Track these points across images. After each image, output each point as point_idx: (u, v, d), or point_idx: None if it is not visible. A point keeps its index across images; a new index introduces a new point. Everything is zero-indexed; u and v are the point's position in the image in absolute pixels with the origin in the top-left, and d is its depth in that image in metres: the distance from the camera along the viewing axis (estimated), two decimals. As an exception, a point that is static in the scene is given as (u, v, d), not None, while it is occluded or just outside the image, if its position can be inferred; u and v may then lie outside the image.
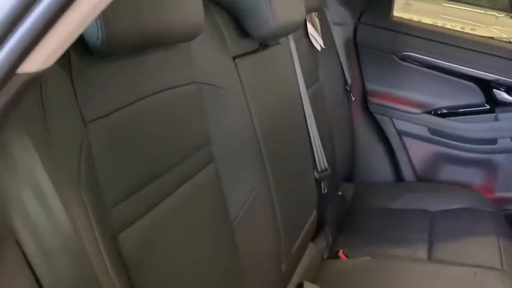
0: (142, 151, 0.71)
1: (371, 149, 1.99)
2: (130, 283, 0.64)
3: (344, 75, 1.88)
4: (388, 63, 1.88)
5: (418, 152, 1.92)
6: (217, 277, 0.87)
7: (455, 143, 1.85)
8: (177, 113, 0.81)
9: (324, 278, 1.33)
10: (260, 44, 1.15)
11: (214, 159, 0.92)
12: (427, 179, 1.93)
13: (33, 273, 0.49)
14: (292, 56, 1.35)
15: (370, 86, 1.93)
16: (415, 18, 1.99)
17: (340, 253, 1.45)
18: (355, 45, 1.92)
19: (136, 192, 0.69)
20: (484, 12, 2.26)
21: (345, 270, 1.38)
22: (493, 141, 1.79)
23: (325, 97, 1.65)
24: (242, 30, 1.07)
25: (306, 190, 1.37)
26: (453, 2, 2.20)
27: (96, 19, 0.59)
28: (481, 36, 1.93)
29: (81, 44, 0.61)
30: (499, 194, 1.82)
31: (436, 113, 1.86)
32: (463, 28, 2.05)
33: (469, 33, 1.96)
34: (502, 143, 1.77)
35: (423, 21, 1.97)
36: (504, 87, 1.74)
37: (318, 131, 1.44)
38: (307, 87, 1.42)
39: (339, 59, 1.86)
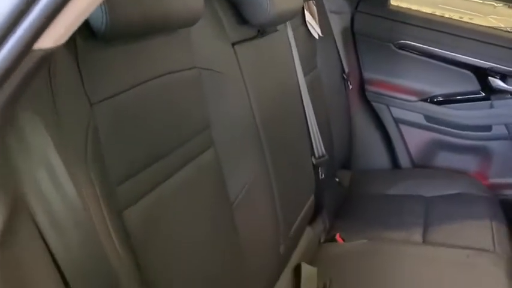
0: (145, 133, 0.74)
1: (368, 136, 2.02)
2: (135, 257, 0.67)
3: (341, 63, 1.90)
4: (385, 51, 1.91)
5: (415, 139, 1.95)
6: (217, 256, 0.91)
7: (451, 130, 1.88)
8: (178, 96, 0.84)
9: (321, 261, 1.36)
10: (258, 31, 1.18)
11: (214, 144, 0.94)
12: (423, 166, 1.96)
13: (46, 245, 0.52)
14: (290, 44, 1.37)
15: (367, 74, 1.95)
16: (414, 7, 2.01)
17: (337, 236, 1.49)
18: (352, 34, 1.95)
19: (140, 172, 0.72)
20: (482, 1, 2.28)
21: (342, 253, 1.41)
22: (488, 128, 1.82)
23: (322, 85, 1.67)
24: (240, 17, 1.10)
25: (303, 175, 1.40)
26: (451, -9, 2.22)
27: (101, 5, 0.61)
28: (477, 24, 1.95)
29: (86, 29, 0.63)
30: (493, 180, 1.85)
31: (432, 100, 1.89)
32: (461, 18, 2.07)
33: (466, 22, 1.98)
34: (496, 130, 1.80)
35: (421, 10, 1.99)
36: (499, 75, 1.76)
37: (316, 118, 1.47)
38: (305, 74, 1.44)
39: (337, 48, 1.88)
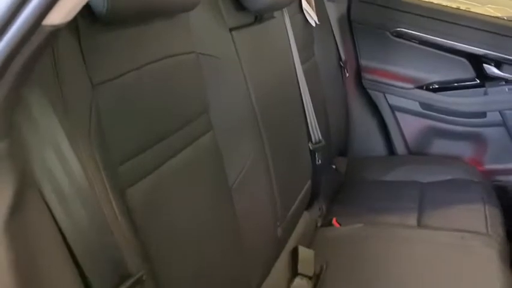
0: (145, 114, 0.76)
1: (364, 123, 2.04)
2: (138, 234, 0.69)
3: (338, 51, 1.92)
4: (382, 39, 1.92)
5: (410, 127, 1.98)
6: (216, 236, 0.93)
7: (446, 117, 1.90)
8: (177, 80, 0.85)
9: (318, 244, 1.39)
10: (256, 18, 1.19)
11: (213, 128, 0.96)
12: (418, 153, 1.99)
13: (54, 219, 0.54)
14: (287, 31, 1.39)
15: (363, 62, 1.97)
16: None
17: (334, 221, 1.52)
18: (349, 22, 1.96)
19: (141, 153, 0.74)
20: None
21: (338, 236, 1.44)
22: (483, 114, 1.84)
23: (319, 72, 1.69)
24: (238, 3, 1.11)
25: (300, 160, 1.42)
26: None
27: (102, -12, 0.63)
28: (473, 12, 1.97)
29: (88, 13, 0.65)
30: (488, 166, 1.88)
31: (427, 88, 1.91)
32: (458, 7, 2.08)
33: (461, 9, 1.99)
34: (491, 117, 1.83)
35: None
36: (494, 62, 1.79)
37: (313, 105, 1.49)
38: (302, 62, 1.46)
39: (333, 35, 1.89)
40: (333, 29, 1.90)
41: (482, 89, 1.82)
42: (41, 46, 0.43)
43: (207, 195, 0.92)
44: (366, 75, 1.98)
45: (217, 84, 0.99)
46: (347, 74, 1.96)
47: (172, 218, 0.80)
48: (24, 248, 0.49)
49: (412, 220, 1.49)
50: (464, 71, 1.85)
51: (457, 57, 1.84)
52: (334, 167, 1.86)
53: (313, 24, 1.63)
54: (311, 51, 1.65)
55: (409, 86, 1.92)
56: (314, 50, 1.68)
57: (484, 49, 1.77)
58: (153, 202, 0.75)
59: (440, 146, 1.95)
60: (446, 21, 1.83)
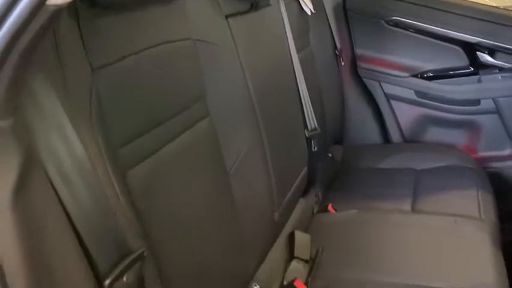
0: (143, 99, 0.78)
1: (360, 112, 2.06)
2: (138, 215, 0.71)
3: (334, 40, 1.93)
4: (377, 28, 1.94)
5: (405, 115, 2.00)
6: (214, 220, 0.95)
7: (440, 105, 1.92)
8: (174, 65, 0.87)
9: (314, 229, 1.42)
10: (251, 5, 1.20)
11: (210, 114, 0.98)
12: (413, 141, 2.01)
13: (57, 196, 0.56)
14: (282, 19, 1.40)
15: (359, 51, 1.99)
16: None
17: (329, 207, 1.54)
18: (344, 10, 1.97)
19: (139, 137, 0.76)
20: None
21: (334, 222, 1.46)
22: (476, 102, 1.87)
23: (315, 61, 1.71)
24: (233, -10, 1.12)
25: (296, 147, 1.44)
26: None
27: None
28: (468, 1, 1.98)
29: (87, -2, 0.66)
30: (481, 153, 1.90)
31: (422, 76, 1.93)
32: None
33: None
34: (484, 104, 1.85)
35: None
36: (487, 50, 1.81)
37: (308, 93, 1.50)
38: (298, 50, 1.47)
39: (329, 24, 1.91)
40: (329, 17, 1.91)
41: (476, 77, 1.85)
42: (44, 26, 0.45)
43: (205, 179, 0.94)
44: (362, 64, 1.99)
45: (214, 71, 1.01)
46: (342, 63, 1.98)
47: (171, 201, 0.81)
48: (30, 223, 0.51)
49: (407, 206, 1.51)
50: (458, 59, 1.87)
51: (451, 46, 1.86)
52: (330, 155, 1.88)
53: (309, 13, 1.64)
54: (306, 39, 1.66)
55: (404, 74, 1.94)
56: (309, 39, 1.69)
57: (478, 37, 1.79)
58: (153, 186, 0.77)
59: (434, 134, 1.98)
60: (441, 10, 1.85)
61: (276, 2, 1.37)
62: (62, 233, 0.56)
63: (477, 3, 1.95)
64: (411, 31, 1.90)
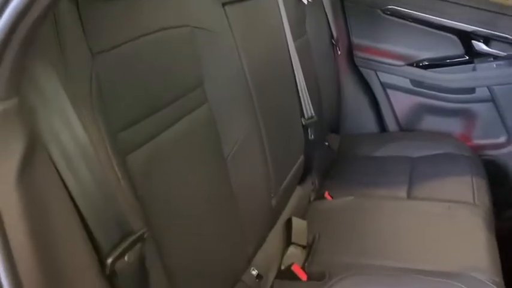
0: (142, 85, 0.79)
1: (356, 101, 2.08)
2: (138, 200, 0.73)
3: (330, 29, 1.94)
4: (373, 17, 1.95)
5: (401, 104, 2.02)
6: (213, 205, 0.96)
7: (436, 93, 1.94)
8: (172, 52, 0.88)
9: (311, 216, 1.43)
10: (248, -7, 1.21)
11: (208, 101, 0.99)
12: (409, 129, 2.03)
13: (60, 176, 0.58)
14: (279, 7, 1.41)
15: (355, 40, 2.00)
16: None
17: (326, 194, 1.56)
18: (340, 0, 1.98)
19: (138, 122, 0.77)
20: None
21: (330, 208, 1.48)
22: (472, 90, 1.88)
23: (312, 50, 1.72)
24: (230, -22, 1.13)
25: (293, 134, 1.45)
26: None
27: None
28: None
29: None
30: (476, 141, 1.93)
31: (418, 65, 1.94)
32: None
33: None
34: (479, 92, 1.87)
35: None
36: (482, 38, 1.82)
37: (305, 82, 1.51)
38: (295, 39, 1.48)
39: (325, 13, 1.91)
40: (325, 7, 1.92)
41: (471, 65, 1.86)
42: (49, 7, 0.46)
43: (204, 165, 0.95)
44: (358, 53, 2.01)
45: (211, 58, 1.01)
46: (339, 52, 1.99)
47: (170, 185, 0.83)
48: (35, 202, 0.53)
49: (402, 193, 1.53)
50: (453, 48, 1.88)
51: (446, 34, 1.87)
52: (327, 144, 1.90)
53: (305, 2, 1.65)
54: (303, 28, 1.67)
55: (400, 63, 1.95)
56: (306, 28, 1.70)
57: (473, 26, 1.80)
58: (152, 170, 0.78)
59: (430, 123, 1.99)
60: (437, -1, 1.86)
61: (272, -10, 1.38)
62: (65, 212, 0.57)
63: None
64: (407, 20, 1.91)
